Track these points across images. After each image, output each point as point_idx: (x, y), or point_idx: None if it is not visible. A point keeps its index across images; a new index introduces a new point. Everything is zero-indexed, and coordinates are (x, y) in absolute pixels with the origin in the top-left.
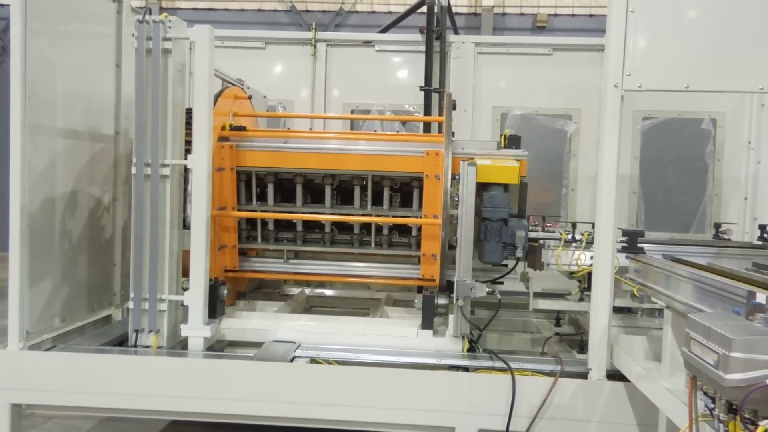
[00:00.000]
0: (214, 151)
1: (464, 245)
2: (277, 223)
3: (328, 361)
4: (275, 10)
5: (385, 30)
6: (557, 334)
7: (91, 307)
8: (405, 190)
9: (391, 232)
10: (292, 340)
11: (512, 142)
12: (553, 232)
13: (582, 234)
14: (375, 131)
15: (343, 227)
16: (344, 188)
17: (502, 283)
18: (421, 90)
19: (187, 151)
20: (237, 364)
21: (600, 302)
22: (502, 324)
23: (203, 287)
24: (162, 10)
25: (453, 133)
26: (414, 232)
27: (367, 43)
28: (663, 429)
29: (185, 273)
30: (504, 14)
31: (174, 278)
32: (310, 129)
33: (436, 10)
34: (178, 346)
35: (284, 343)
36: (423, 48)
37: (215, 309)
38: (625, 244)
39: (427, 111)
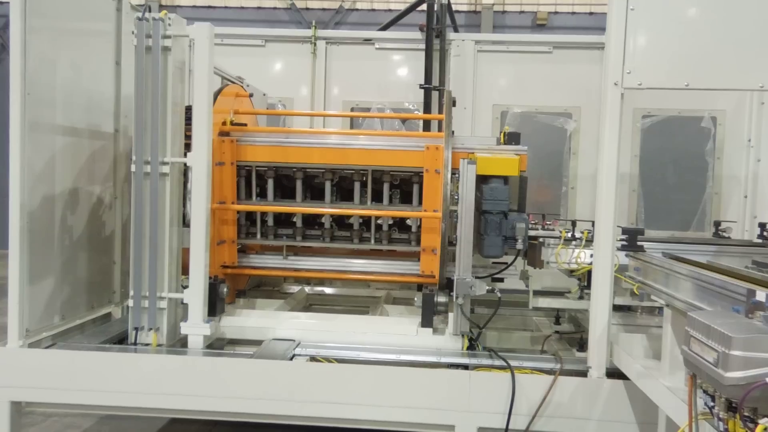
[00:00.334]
0: (215, 146)
1: (464, 243)
2: (277, 220)
3: (328, 359)
4: (275, 8)
5: (385, 28)
6: (557, 332)
7: (90, 305)
8: (405, 189)
9: (391, 228)
10: (292, 338)
11: (512, 138)
12: (553, 230)
13: (582, 232)
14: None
15: (343, 224)
16: (344, 186)
17: (502, 280)
18: (421, 88)
19: (187, 148)
20: (237, 362)
21: (600, 300)
22: (501, 322)
23: (203, 285)
24: (162, 7)
25: (452, 132)
26: (414, 228)
27: (367, 41)
28: (662, 427)
29: (185, 271)
30: (504, 12)
31: (174, 276)
32: (310, 127)
33: (436, 7)
34: (178, 344)
35: (284, 341)
36: (423, 46)
37: (215, 307)
38: (624, 242)
39: (427, 109)
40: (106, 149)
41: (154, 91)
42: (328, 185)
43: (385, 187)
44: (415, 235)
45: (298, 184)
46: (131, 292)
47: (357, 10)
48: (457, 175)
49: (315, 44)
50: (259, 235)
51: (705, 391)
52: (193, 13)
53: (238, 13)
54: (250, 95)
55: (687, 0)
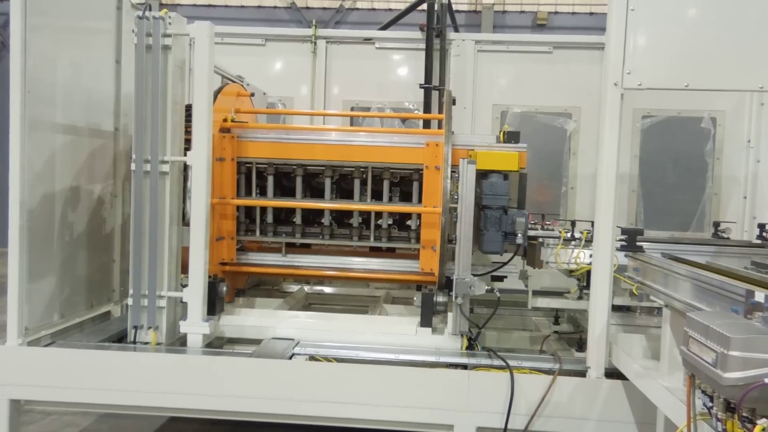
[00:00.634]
0: (215, 142)
1: (463, 242)
2: (276, 219)
3: (327, 359)
4: (275, 7)
5: (385, 27)
6: (556, 332)
7: (90, 304)
8: (405, 190)
9: (390, 227)
10: (291, 338)
11: (511, 137)
12: (553, 230)
13: (581, 232)
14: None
15: (342, 224)
16: (344, 187)
17: (502, 279)
18: (421, 87)
19: (187, 147)
20: (236, 361)
21: (599, 300)
22: (500, 322)
23: (202, 284)
24: (162, 6)
25: (452, 132)
26: (413, 227)
27: (368, 40)
28: (661, 427)
29: (184, 269)
30: (504, 12)
31: (173, 275)
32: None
33: (436, 7)
34: (177, 342)
35: (283, 341)
36: (423, 45)
37: (214, 306)
38: (624, 243)
39: (427, 108)
40: (106, 148)
41: (154, 90)
42: (327, 182)
43: (385, 184)
44: (414, 233)
45: (298, 182)
46: (131, 291)
47: (357, 9)
48: (456, 175)
49: (315, 43)
50: (258, 233)
51: (703, 392)
52: (194, 12)
53: (238, 12)
54: (252, 95)
55: (687, 1)
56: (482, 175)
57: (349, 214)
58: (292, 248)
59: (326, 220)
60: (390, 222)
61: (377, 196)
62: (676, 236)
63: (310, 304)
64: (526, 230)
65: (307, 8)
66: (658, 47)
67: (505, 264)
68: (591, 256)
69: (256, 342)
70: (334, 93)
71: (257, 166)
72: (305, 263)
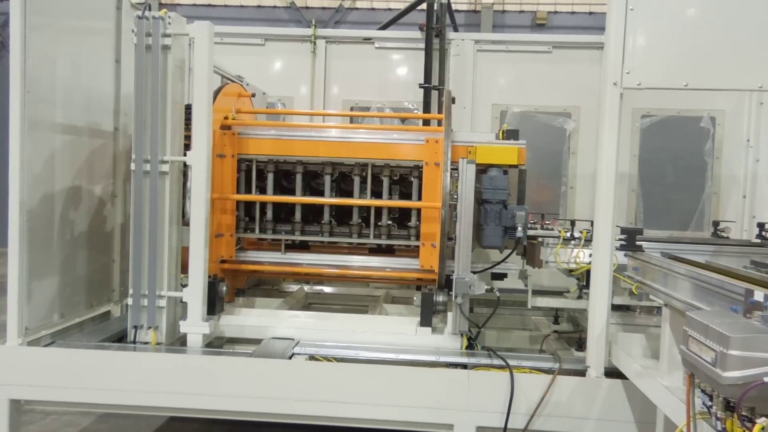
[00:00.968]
0: (216, 139)
1: (463, 241)
2: (276, 218)
3: (327, 358)
4: (275, 7)
5: (384, 27)
6: (556, 331)
7: (90, 303)
8: (404, 190)
9: (390, 225)
10: (291, 337)
11: (510, 135)
12: (552, 229)
13: (581, 232)
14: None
15: (342, 221)
16: (344, 188)
17: (502, 279)
18: (420, 87)
19: (187, 147)
20: (236, 361)
21: (598, 300)
22: (500, 321)
23: (202, 284)
24: (161, 6)
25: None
26: (413, 224)
27: (367, 40)
28: (661, 426)
29: (184, 269)
30: (503, 11)
31: (173, 275)
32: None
33: (435, 7)
34: (177, 342)
35: (283, 340)
36: (422, 45)
37: (214, 305)
38: (623, 242)
39: (427, 108)
40: (106, 148)
41: (154, 90)
42: (327, 180)
43: (385, 182)
44: (414, 230)
45: (298, 179)
46: (130, 291)
47: (357, 9)
48: (456, 175)
49: (315, 43)
50: (257, 230)
51: (703, 391)
52: (193, 12)
53: (237, 11)
54: (252, 95)
55: (686, 0)
56: (482, 170)
57: (348, 214)
58: (291, 248)
59: (326, 216)
60: (389, 222)
61: (377, 196)
62: (675, 235)
63: (309, 303)
64: (526, 224)
65: (307, 8)
66: (658, 47)
67: (505, 258)
68: (590, 255)
69: (256, 342)
70: (333, 93)
71: (257, 164)
72: (304, 261)
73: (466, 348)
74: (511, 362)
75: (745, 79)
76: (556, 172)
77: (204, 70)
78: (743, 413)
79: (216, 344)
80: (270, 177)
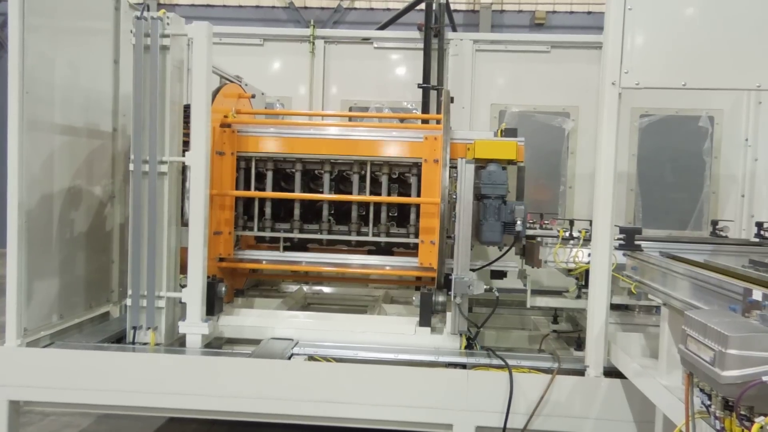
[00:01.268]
0: (216, 136)
1: (462, 241)
2: (275, 217)
3: (326, 359)
4: (273, 7)
5: (383, 27)
6: (555, 331)
7: (89, 304)
8: (403, 191)
9: (389, 222)
10: (290, 338)
11: (508, 134)
12: (551, 229)
13: (579, 231)
14: None
15: (341, 219)
16: (343, 190)
17: (502, 278)
18: (419, 87)
19: (185, 147)
20: (235, 362)
21: (597, 299)
22: (499, 321)
23: (201, 284)
24: (160, 6)
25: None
26: (412, 221)
27: (366, 40)
28: (660, 426)
29: (183, 270)
30: (502, 11)
31: (172, 275)
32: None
33: (434, 7)
34: (176, 343)
35: (282, 341)
36: (421, 45)
37: (213, 306)
38: (622, 242)
39: (426, 108)
40: (105, 148)
41: (153, 90)
42: (327, 178)
43: (384, 180)
44: (413, 228)
45: (297, 177)
46: (129, 291)
47: (355, 9)
48: (455, 175)
49: (313, 43)
50: (256, 229)
51: (702, 390)
52: (192, 12)
53: (236, 11)
54: (252, 96)
55: (685, 0)
56: (481, 166)
57: (347, 213)
58: (289, 249)
59: (325, 214)
60: (388, 222)
61: (376, 195)
62: (674, 235)
63: (309, 304)
64: (525, 218)
65: (305, 8)
66: (656, 46)
67: (504, 253)
68: (589, 255)
69: (255, 342)
70: (332, 93)
71: (256, 163)
72: (303, 258)
73: (465, 348)
74: (510, 362)
75: (744, 78)
76: (554, 172)
77: (202, 71)
78: (742, 412)
79: (215, 345)
80: (269, 175)
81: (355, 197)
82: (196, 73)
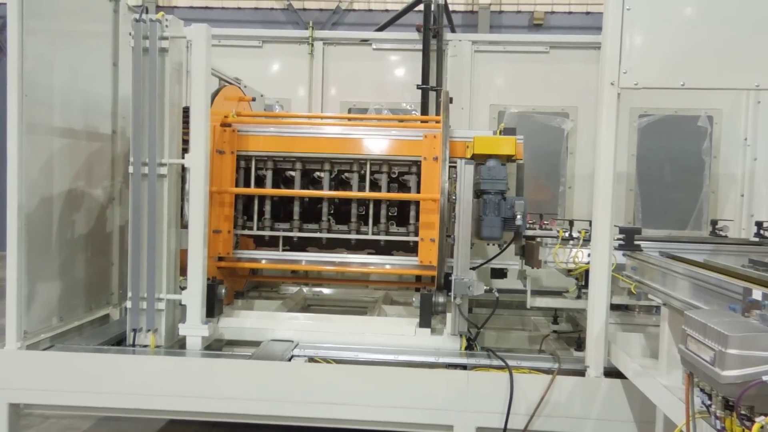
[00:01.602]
0: (216, 135)
1: (462, 241)
2: (275, 216)
3: (326, 360)
4: (272, 9)
5: (382, 28)
6: (555, 331)
7: (89, 307)
8: (403, 191)
9: (389, 221)
10: (290, 339)
11: (508, 133)
12: (551, 229)
13: (579, 232)
14: None
15: (341, 220)
16: (342, 188)
17: (502, 277)
18: (418, 88)
19: (185, 149)
20: (235, 363)
21: (597, 300)
22: (499, 322)
23: (201, 286)
24: (159, 8)
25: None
26: (412, 219)
27: (364, 41)
28: (660, 426)
29: (183, 272)
30: (501, 12)
31: (172, 277)
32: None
33: (433, 8)
34: (176, 345)
35: (282, 342)
36: (420, 46)
37: (213, 308)
38: (622, 242)
39: (425, 109)
40: (104, 150)
41: (152, 93)
42: (326, 177)
43: (383, 179)
44: (413, 226)
45: (297, 177)
46: (129, 294)
47: (354, 10)
48: (454, 175)
49: (312, 45)
50: (256, 228)
51: (702, 390)
52: (190, 14)
53: (235, 14)
54: (252, 99)
55: (683, 0)
56: (480, 163)
57: (347, 213)
58: (289, 240)
59: (324, 213)
60: (388, 221)
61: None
62: (673, 235)
63: (309, 305)
64: (525, 213)
65: (304, 10)
66: (655, 46)
67: (504, 249)
68: (589, 255)
69: (256, 344)
70: (331, 94)
71: (256, 162)
72: (303, 258)
73: (466, 349)
74: (511, 362)
75: (743, 78)
76: (554, 172)
77: (201, 73)
78: (742, 412)
79: (215, 347)
80: (269, 175)
81: (355, 194)
82: (195, 75)
